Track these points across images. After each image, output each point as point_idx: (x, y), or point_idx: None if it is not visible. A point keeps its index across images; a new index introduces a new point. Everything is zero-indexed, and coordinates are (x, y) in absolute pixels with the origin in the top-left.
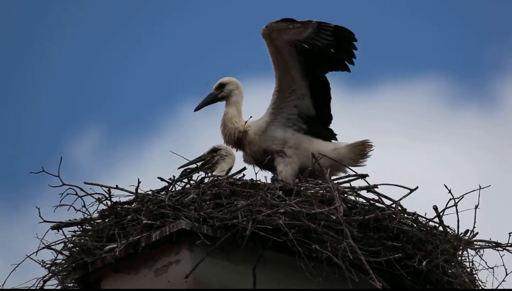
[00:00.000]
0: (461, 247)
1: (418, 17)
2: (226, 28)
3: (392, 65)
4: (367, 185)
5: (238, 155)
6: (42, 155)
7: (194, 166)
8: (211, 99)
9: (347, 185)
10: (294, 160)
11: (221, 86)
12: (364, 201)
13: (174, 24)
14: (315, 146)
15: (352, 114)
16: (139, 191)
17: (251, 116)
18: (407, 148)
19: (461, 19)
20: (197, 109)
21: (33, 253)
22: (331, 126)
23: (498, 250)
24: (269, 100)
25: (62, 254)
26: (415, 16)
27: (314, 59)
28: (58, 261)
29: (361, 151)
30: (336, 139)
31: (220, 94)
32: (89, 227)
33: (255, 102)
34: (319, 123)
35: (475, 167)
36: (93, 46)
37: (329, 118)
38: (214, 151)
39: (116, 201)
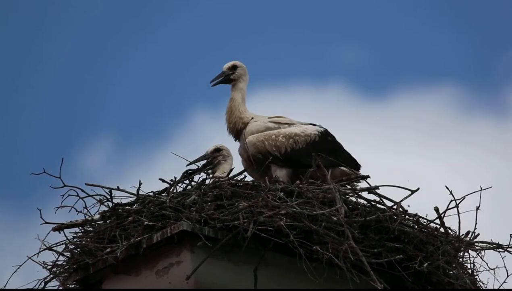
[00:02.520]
0: (462, 249)
1: (431, 27)
2: (235, 34)
3: (406, 74)
4: (368, 186)
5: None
6: (52, 164)
7: (195, 167)
8: (224, 79)
9: (348, 186)
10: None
11: (234, 68)
12: (365, 202)
13: (183, 31)
14: None
15: (366, 122)
16: (140, 192)
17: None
18: (420, 155)
19: (474, 29)
20: (214, 84)
21: (35, 254)
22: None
23: (499, 252)
24: (272, 103)
25: (63, 255)
26: (428, 26)
27: None
28: (59, 262)
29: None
30: None
31: (232, 75)
32: (90, 229)
33: (261, 104)
34: None
35: (484, 173)
36: (102, 53)
37: None
38: (217, 150)
39: (118, 202)
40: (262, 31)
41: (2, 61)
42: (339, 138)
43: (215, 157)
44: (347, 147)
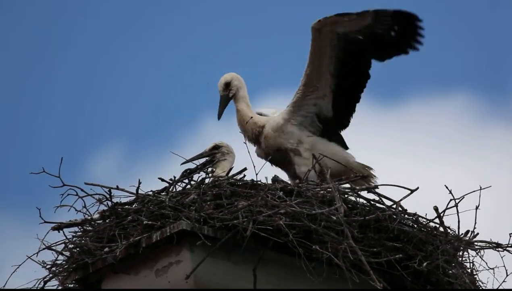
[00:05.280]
0: (461, 248)
1: (443, 34)
2: (245, 40)
3: (418, 81)
4: (367, 185)
5: (240, 153)
6: (61, 171)
7: (192, 165)
8: (226, 102)
9: (348, 185)
10: (312, 160)
11: (227, 85)
12: (364, 201)
13: (193, 37)
14: (330, 149)
15: (378, 129)
16: (139, 191)
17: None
18: (433, 162)
19: (487, 36)
20: (220, 117)
21: (34, 254)
22: (345, 134)
23: (498, 251)
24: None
25: (62, 254)
26: (440, 33)
27: (368, 49)
28: (58, 262)
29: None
30: (347, 147)
31: (230, 93)
32: (89, 228)
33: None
34: (334, 126)
35: (496, 178)
36: (111, 60)
37: (346, 122)
38: (216, 148)
39: (117, 202)
40: (273, 37)
41: (12, 68)
42: (351, 144)
43: (213, 154)
44: (359, 152)
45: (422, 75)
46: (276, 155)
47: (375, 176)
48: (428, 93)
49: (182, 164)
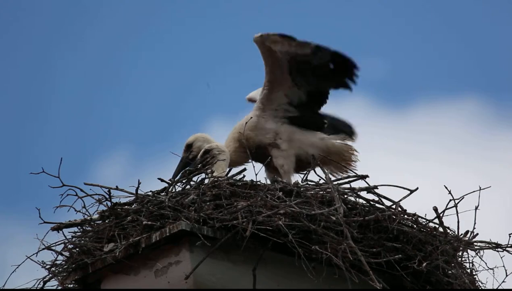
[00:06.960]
0: (461, 248)
1: (452, 39)
2: (251, 44)
3: (426, 87)
4: (367, 186)
5: None
6: (66, 175)
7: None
8: (184, 164)
9: (347, 186)
10: (290, 152)
11: (189, 147)
12: (364, 202)
13: (199, 42)
14: (306, 136)
15: (385, 135)
16: (139, 192)
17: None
18: (439, 166)
19: (494, 40)
20: (173, 178)
21: (34, 254)
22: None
23: (498, 251)
24: None
25: (62, 255)
26: (449, 39)
27: (306, 75)
28: (58, 262)
29: (345, 152)
30: (324, 126)
31: (191, 154)
32: (89, 228)
33: None
34: (310, 108)
35: (500, 180)
36: (117, 64)
37: (322, 101)
38: (206, 152)
39: (116, 202)
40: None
41: (17, 70)
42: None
43: (206, 160)
44: (365, 159)
45: (430, 80)
46: (257, 151)
47: (353, 153)
48: (436, 98)
49: (174, 180)
